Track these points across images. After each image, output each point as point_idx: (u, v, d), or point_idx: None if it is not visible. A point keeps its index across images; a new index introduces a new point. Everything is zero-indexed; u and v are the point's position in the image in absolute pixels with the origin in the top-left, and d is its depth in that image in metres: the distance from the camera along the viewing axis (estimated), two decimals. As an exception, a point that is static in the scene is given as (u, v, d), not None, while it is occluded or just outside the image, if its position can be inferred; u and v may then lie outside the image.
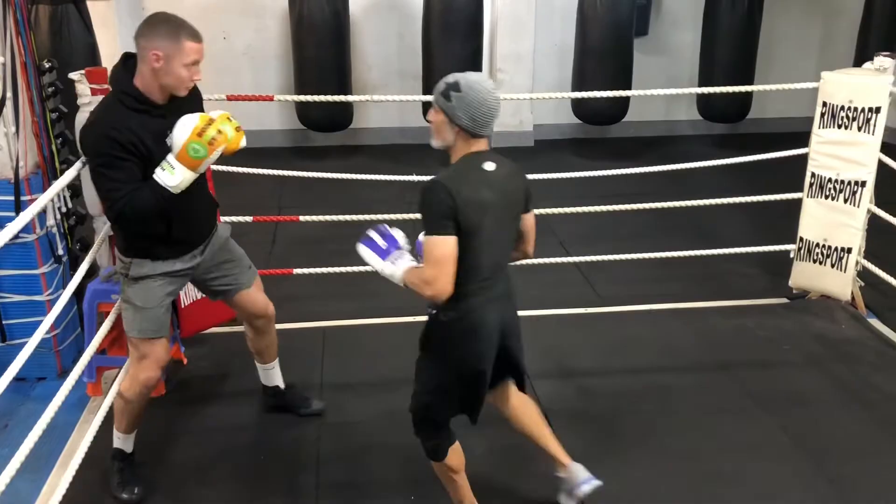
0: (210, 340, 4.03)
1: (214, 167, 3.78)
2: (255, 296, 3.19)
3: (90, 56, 5.70)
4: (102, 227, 3.48)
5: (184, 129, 2.61)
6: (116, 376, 3.38)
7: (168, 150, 2.64)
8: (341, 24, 6.71)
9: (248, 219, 4.24)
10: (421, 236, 2.46)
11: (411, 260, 2.49)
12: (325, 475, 3.14)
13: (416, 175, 4.52)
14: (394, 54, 7.40)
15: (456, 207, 2.31)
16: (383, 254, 2.51)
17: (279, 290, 4.53)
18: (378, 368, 3.83)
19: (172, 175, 2.61)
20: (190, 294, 3.79)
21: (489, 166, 2.42)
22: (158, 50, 2.63)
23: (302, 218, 4.39)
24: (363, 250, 2.54)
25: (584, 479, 2.78)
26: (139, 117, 2.65)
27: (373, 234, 2.56)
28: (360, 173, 4.56)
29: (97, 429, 3.04)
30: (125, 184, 2.61)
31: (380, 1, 7.29)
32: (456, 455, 2.65)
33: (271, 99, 4.32)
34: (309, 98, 4.40)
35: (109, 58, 6.05)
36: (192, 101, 2.85)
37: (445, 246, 2.32)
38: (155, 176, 2.62)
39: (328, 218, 4.39)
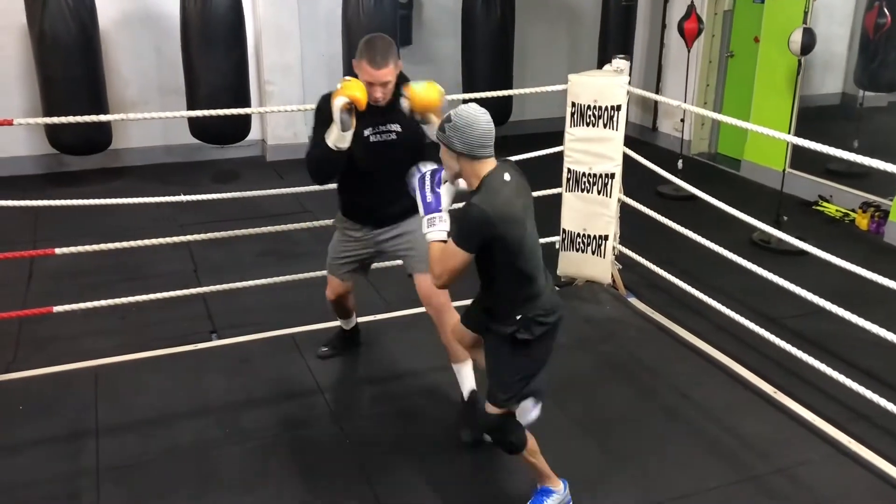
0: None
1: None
2: (420, 284, 3.43)
3: None
4: None
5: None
6: None
7: (358, 142, 3.22)
8: (90, 39, 6.26)
9: (-5, 256, 3.84)
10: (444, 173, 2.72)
11: (444, 230, 2.66)
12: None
13: (185, 194, 4.35)
14: (152, 69, 7.04)
15: (495, 234, 2.54)
16: (426, 207, 2.70)
17: (39, 332, 4.17)
18: (157, 404, 3.62)
19: (329, 133, 3.15)
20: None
21: (507, 177, 2.64)
22: (354, 63, 3.25)
23: (58, 250, 4.03)
24: (417, 184, 2.74)
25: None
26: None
27: (427, 181, 2.73)
28: (124, 197, 4.29)
29: None
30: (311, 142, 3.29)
31: (131, 14, 6.89)
32: (531, 442, 2.86)
33: (10, 123, 3.91)
34: (55, 120, 4.04)
35: None
36: (397, 116, 3.31)
37: (461, 260, 2.59)
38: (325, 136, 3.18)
39: (88, 248, 4.06)
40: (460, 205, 2.61)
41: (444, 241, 2.64)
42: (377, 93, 3.21)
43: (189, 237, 4.14)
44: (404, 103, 3.27)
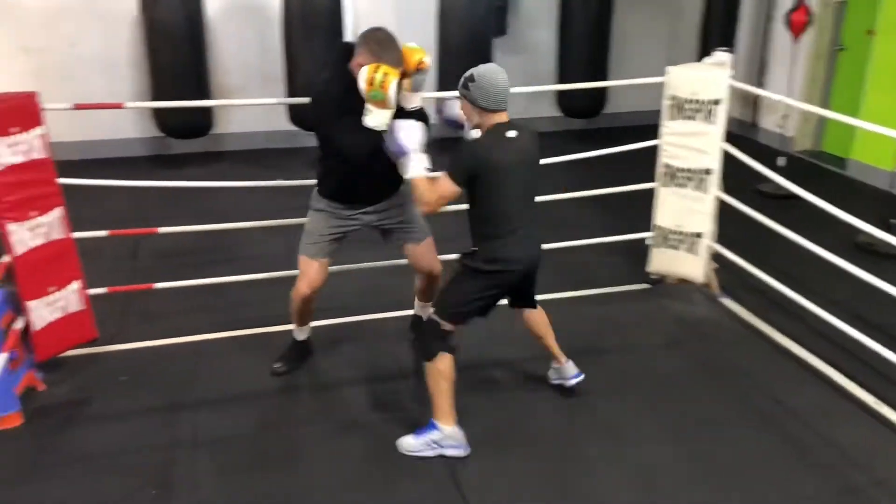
0: (70, 364, 3.81)
1: (69, 181, 3.63)
2: (423, 254, 3.69)
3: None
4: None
5: (361, 83, 3.10)
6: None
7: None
8: (196, 27, 6.51)
9: (104, 233, 4.03)
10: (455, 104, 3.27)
11: (420, 166, 3.05)
12: (199, 496, 3.03)
13: (283, 179, 4.46)
14: (254, 57, 7.23)
15: (479, 168, 2.98)
16: (398, 152, 3.11)
17: (142, 306, 4.37)
18: (250, 380, 3.74)
19: (373, 117, 3.15)
20: (43, 316, 3.57)
21: (511, 134, 3.05)
22: (361, 61, 3.15)
23: (160, 230, 4.21)
24: (387, 141, 3.14)
25: (573, 375, 3.61)
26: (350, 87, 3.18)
27: (392, 131, 3.11)
28: (223, 180, 4.43)
29: None
30: (348, 134, 3.23)
31: (236, 4, 7.11)
32: (448, 363, 3.14)
33: (121, 106, 4.11)
34: (162, 104, 4.23)
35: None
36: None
37: (451, 189, 3.00)
38: (364, 123, 3.15)
39: (189, 229, 4.24)
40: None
41: (424, 176, 3.03)
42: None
43: (284, 221, 4.25)
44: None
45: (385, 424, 3.43)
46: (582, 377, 3.60)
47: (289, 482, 3.10)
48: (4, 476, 3.10)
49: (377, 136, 3.20)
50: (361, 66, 3.14)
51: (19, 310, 3.54)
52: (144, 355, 3.95)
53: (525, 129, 3.11)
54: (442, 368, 3.13)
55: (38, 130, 3.50)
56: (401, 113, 3.27)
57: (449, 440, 3.19)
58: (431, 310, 3.24)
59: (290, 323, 3.84)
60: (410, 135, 3.08)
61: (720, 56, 4.43)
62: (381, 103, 3.13)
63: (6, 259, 3.45)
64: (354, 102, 3.17)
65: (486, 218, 3.09)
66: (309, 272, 3.57)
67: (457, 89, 3.11)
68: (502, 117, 3.07)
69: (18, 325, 3.52)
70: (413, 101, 3.30)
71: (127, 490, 3.05)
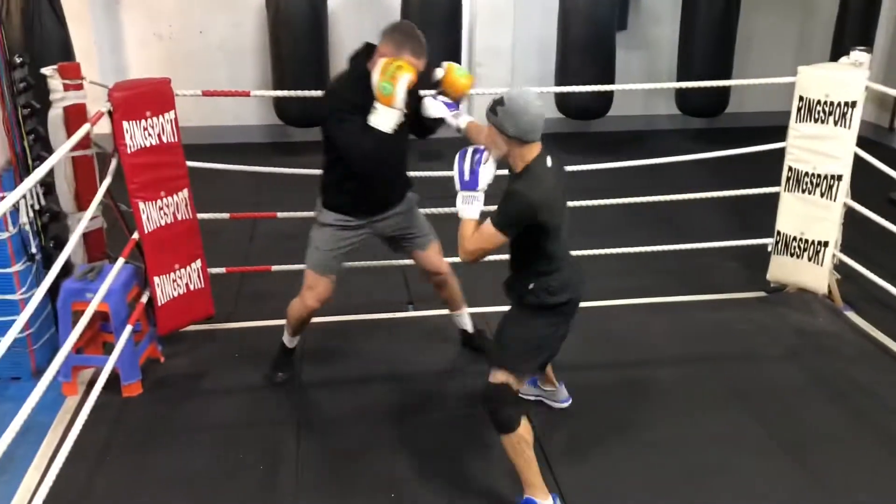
0: (188, 338, 3.99)
1: (194, 164, 3.78)
2: (429, 257, 3.61)
3: (63, 51, 5.62)
4: (77, 225, 3.43)
5: (374, 75, 3.01)
6: (94, 377, 3.34)
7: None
8: (319, 18, 6.67)
9: (225, 216, 4.20)
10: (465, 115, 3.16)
11: (478, 209, 2.73)
12: (305, 473, 3.11)
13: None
14: (372, 49, 7.35)
15: (535, 221, 2.64)
16: (464, 184, 2.73)
17: (258, 287, 4.53)
18: (354, 366, 3.82)
19: (377, 115, 3.02)
20: (167, 292, 3.75)
21: (549, 162, 2.72)
22: (384, 52, 3.08)
23: (279, 214, 4.35)
24: (457, 161, 2.75)
25: (564, 398, 3.47)
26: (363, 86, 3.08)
27: (468, 159, 2.74)
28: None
29: (80, 427, 3.01)
30: (351, 134, 3.11)
31: (358, -3, 7.25)
32: (527, 428, 2.79)
33: (247, 94, 4.26)
34: (286, 93, 4.35)
35: (83, 52, 6.01)
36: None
37: (497, 241, 2.68)
38: (368, 122, 3.04)
39: (306, 214, 4.33)
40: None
41: (475, 220, 2.71)
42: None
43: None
44: (439, 73, 3.26)
45: (477, 418, 3.42)
46: (570, 401, 3.47)
47: (396, 467, 3.14)
48: (124, 441, 3.28)
49: (382, 141, 3.05)
50: (383, 56, 3.06)
51: (145, 285, 3.73)
52: (256, 334, 4.09)
53: (550, 153, 2.78)
54: (523, 434, 2.76)
55: (170, 115, 3.66)
56: (421, 122, 3.27)
57: None
58: (493, 371, 2.82)
59: (390, 311, 3.85)
60: (486, 173, 2.73)
61: (858, 55, 4.19)
62: (388, 99, 2.99)
63: (135, 236, 3.64)
64: (365, 103, 3.05)
65: (543, 254, 2.77)
66: (317, 287, 3.46)
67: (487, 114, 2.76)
68: (536, 149, 2.71)
69: (143, 299, 3.71)
70: (455, 120, 3.24)
71: (236, 463, 3.16)
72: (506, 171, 2.82)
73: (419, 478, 3.08)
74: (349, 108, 3.10)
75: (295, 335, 3.70)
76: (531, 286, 2.79)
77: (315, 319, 4.14)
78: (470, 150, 2.77)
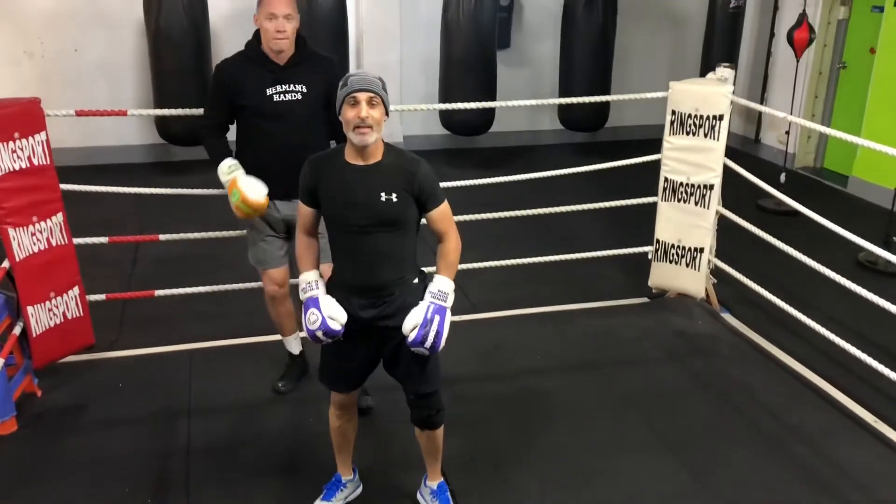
0: (67, 370, 3.80)
1: (69, 187, 3.63)
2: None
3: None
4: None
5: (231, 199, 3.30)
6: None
7: (261, 100, 3.25)
8: (201, 35, 6.51)
9: (104, 240, 4.03)
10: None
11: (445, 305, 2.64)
12: (196, 501, 3.01)
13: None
14: (257, 66, 7.24)
15: None
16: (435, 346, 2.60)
17: (141, 313, 4.36)
18: (246, 389, 3.73)
19: (224, 173, 3.39)
20: (42, 321, 3.56)
21: None
22: (256, 12, 3.25)
23: (162, 237, 4.21)
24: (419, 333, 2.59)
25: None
26: (252, 65, 3.29)
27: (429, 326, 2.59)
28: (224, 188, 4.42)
29: None
30: (212, 115, 3.42)
31: (240, 12, 7.10)
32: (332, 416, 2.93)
33: (124, 114, 4.11)
34: (165, 112, 4.23)
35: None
36: (314, 69, 3.31)
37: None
38: (219, 165, 3.38)
39: (191, 235, 4.23)
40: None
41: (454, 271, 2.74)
42: (282, 27, 3.21)
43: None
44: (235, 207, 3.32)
45: (380, 432, 3.42)
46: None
47: (284, 491, 3.08)
48: (3, 480, 3.09)
49: (277, 110, 3.22)
50: (256, 18, 3.28)
51: (18, 315, 3.53)
52: (141, 362, 3.94)
53: None
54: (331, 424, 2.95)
55: (40, 136, 3.50)
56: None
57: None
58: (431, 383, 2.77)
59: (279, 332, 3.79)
60: (442, 336, 2.61)
61: (723, 71, 4.44)
62: (244, 197, 3.24)
63: (6, 264, 3.45)
64: (257, 75, 3.24)
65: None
66: (265, 279, 3.57)
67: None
68: None
69: (16, 330, 3.51)
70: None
71: (122, 498, 3.02)
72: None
73: (311, 499, 3.04)
74: (217, 87, 3.33)
75: (288, 335, 3.70)
76: (416, 280, 2.74)
77: (201, 344, 4.04)
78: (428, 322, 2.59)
